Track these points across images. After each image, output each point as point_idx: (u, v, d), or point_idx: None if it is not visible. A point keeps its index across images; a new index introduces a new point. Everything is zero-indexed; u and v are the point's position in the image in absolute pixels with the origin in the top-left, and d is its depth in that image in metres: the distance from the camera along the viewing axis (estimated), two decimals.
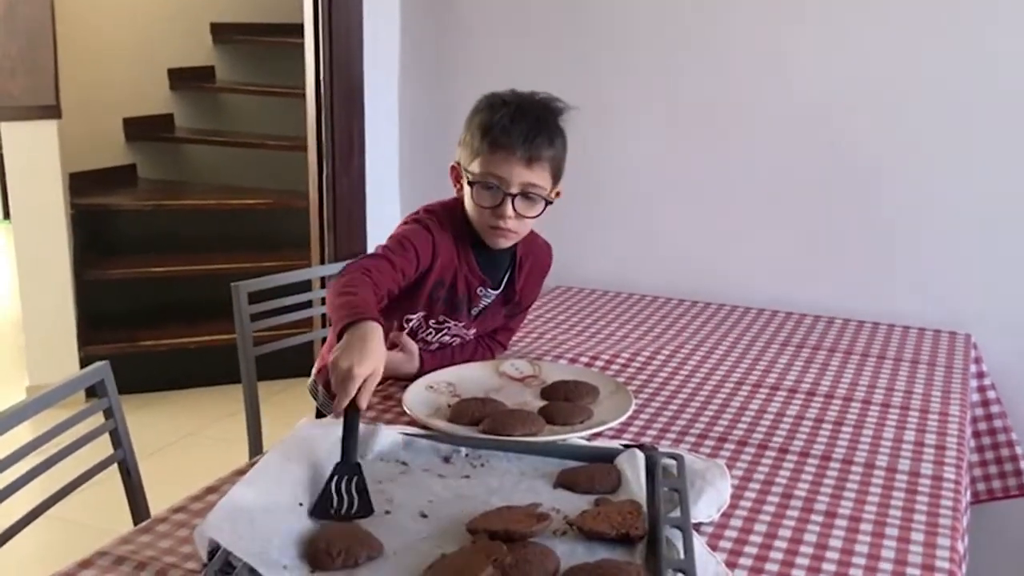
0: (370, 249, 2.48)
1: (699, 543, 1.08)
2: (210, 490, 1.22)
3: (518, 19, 2.42)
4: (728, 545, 1.12)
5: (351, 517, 1.10)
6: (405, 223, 1.58)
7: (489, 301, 1.64)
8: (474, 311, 1.63)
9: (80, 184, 3.79)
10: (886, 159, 2.14)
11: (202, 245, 3.84)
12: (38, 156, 3.34)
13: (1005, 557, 2.15)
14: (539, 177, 1.50)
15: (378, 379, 1.22)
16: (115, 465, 1.49)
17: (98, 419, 1.46)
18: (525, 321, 2.02)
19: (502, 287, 1.64)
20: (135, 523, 1.43)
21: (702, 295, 2.26)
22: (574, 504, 1.14)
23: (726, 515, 1.19)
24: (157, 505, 1.25)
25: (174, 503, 1.19)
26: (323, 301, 2.13)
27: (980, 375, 1.99)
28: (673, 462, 1.22)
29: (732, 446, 1.41)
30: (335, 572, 0.98)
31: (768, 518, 1.19)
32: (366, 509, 1.11)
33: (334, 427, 1.22)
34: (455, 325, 1.62)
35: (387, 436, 1.28)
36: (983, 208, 2.08)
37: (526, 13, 2.40)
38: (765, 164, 2.25)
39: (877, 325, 2.08)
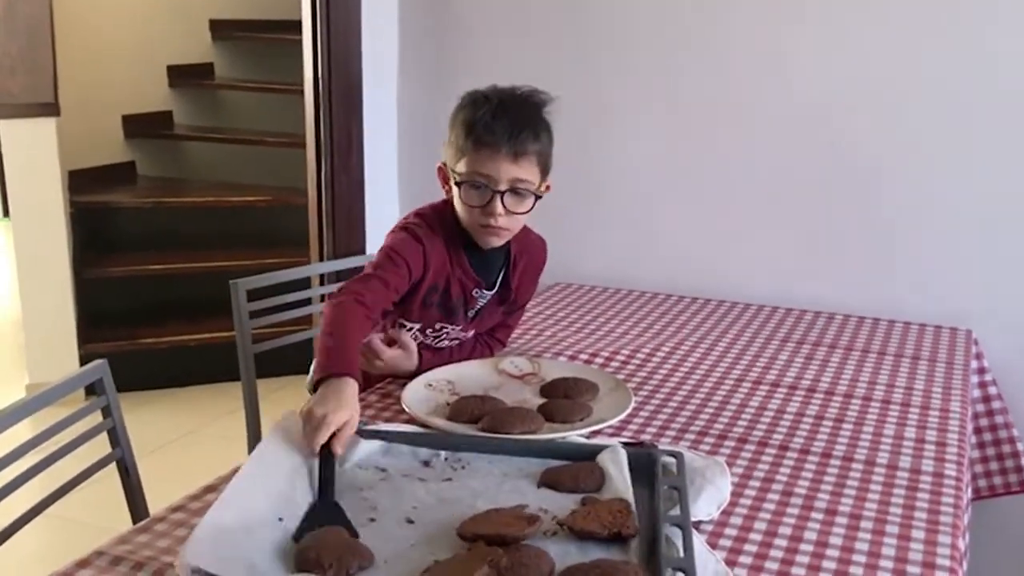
0: (369, 247, 2.49)
1: (699, 541, 1.08)
2: (209, 489, 1.21)
3: (517, 16, 2.41)
4: (728, 543, 1.12)
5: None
6: (394, 231, 1.56)
7: (485, 302, 1.62)
8: (470, 313, 1.62)
9: (79, 182, 3.78)
10: (887, 156, 2.13)
11: (201, 242, 3.84)
12: (37, 154, 3.34)
13: (1007, 554, 2.15)
14: (527, 172, 1.49)
15: (352, 429, 1.21)
16: (114, 463, 1.48)
17: (97, 417, 1.46)
18: (525, 318, 2.01)
19: (497, 287, 1.63)
20: (134, 522, 1.43)
21: (702, 292, 2.26)
22: (560, 504, 1.14)
23: (726, 513, 1.18)
24: (157, 503, 1.25)
25: (172, 502, 1.18)
26: (322, 298, 2.13)
27: (981, 371, 1.98)
28: (673, 460, 1.22)
29: (732, 443, 1.40)
30: None
31: (768, 516, 1.19)
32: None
33: None
34: (453, 329, 1.61)
35: (364, 446, 1.27)
36: (984, 204, 2.07)
37: (525, 11, 2.40)
38: (765, 161, 2.24)
39: (877, 321, 2.08)
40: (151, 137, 4.24)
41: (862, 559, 1.10)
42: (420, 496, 1.17)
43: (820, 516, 1.19)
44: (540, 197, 1.53)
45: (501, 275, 1.63)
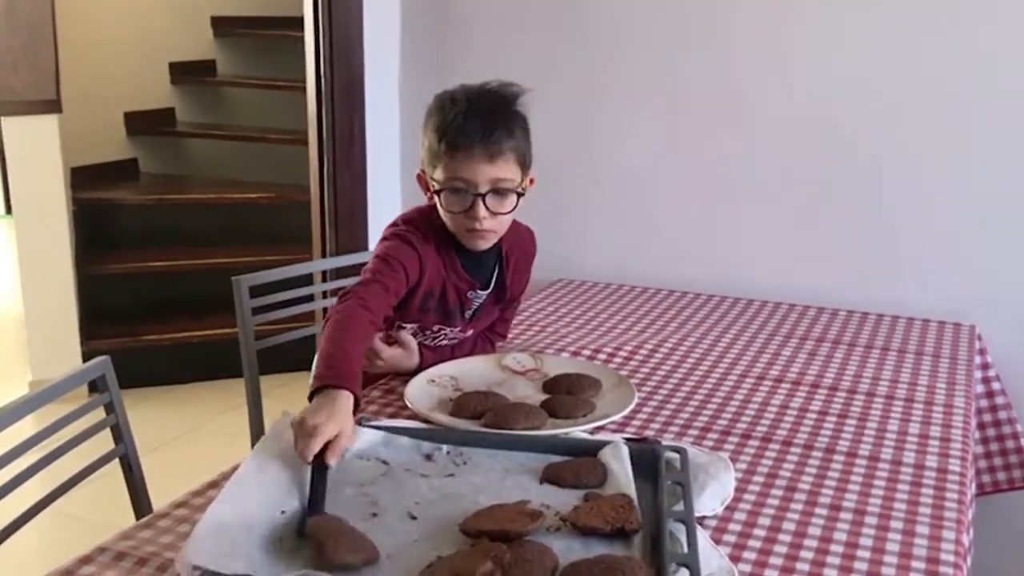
0: (371, 243, 2.49)
1: (703, 537, 1.08)
2: (211, 485, 1.21)
3: (518, 11, 2.41)
4: (732, 539, 1.12)
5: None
6: (385, 238, 1.53)
7: (481, 302, 1.61)
8: (467, 314, 1.61)
9: (81, 178, 3.78)
10: (889, 151, 2.13)
11: (204, 239, 3.84)
12: (39, 151, 3.34)
13: (1011, 549, 2.14)
14: (505, 171, 1.45)
15: (347, 442, 1.18)
16: (117, 460, 1.48)
17: (99, 414, 1.46)
18: (528, 315, 2.01)
19: (492, 286, 1.61)
20: (137, 518, 1.43)
21: (705, 288, 2.25)
22: (562, 499, 1.14)
23: (730, 508, 1.18)
24: (160, 500, 1.25)
25: (175, 498, 1.18)
26: (324, 295, 2.13)
27: (984, 366, 1.98)
28: (676, 455, 1.21)
29: (736, 439, 1.40)
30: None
31: (772, 511, 1.18)
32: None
33: None
34: (451, 331, 1.61)
35: (366, 435, 1.26)
36: (987, 198, 2.07)
37: (526, 6, 2.39)
38: (767, 157, 2.24)
39: (881, 317, 2.08)
40: (153, 134, 4.24)
41: (866, 555, 1.09)
42: (422, 492, 1.16)
43: (824, 512, 1.19)
44: (522, 194, 1.49)
45: (495, 273, 1.61)
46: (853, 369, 1.73)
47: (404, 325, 1.57)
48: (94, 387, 1.46)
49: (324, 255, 2.51)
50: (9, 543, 1.27)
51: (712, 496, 1.18)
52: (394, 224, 1.56)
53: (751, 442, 1.39)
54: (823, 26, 2.13)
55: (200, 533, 0.99)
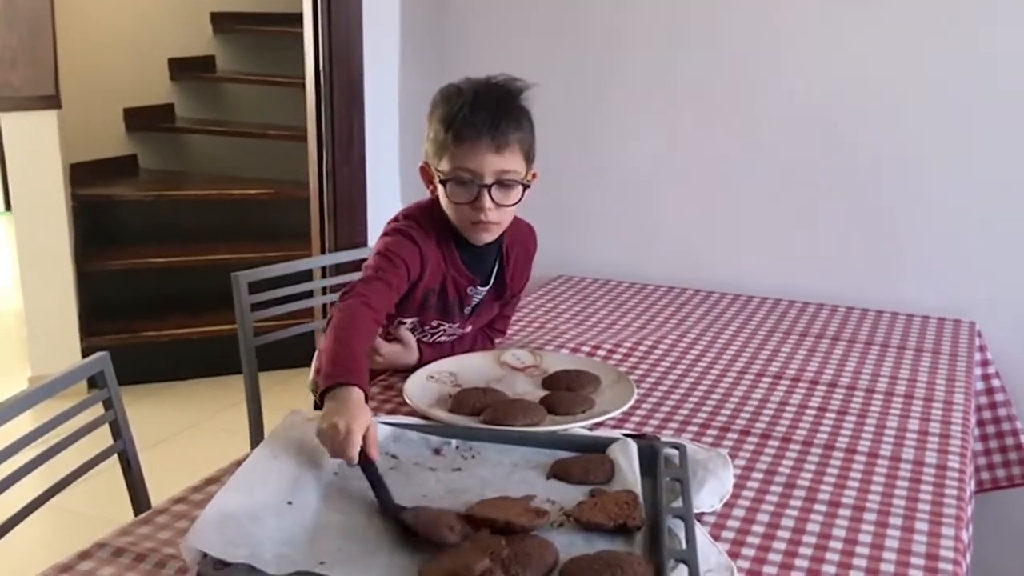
0: (371, 239, 2.49)
1: (701, 533, 1.08)
2: (210, 481, 1.21)
3: (519, 9, 2.41)
4: (731, 535, 1.12)
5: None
6: (386, 233, 1.53)
7: (481, 298, 1.61)
8: (467, 310, 1.60)
9: (81, 175, 3.78)
10: (889, 150, 2.13)
11: (203, 235, 3.84)
12: (39, 147, 3.34)
13: (1010, 545, 2.14)
14: (512, 162, 1.45)
15: (375, 433, 1.18)
16: (116, 456, 1.48)
17: (99, 410, 1.46)
18: (527, 311, 2.01)
19: (492, 282, 1.61)
20: (136, 514, 1.43)
21: (704, 284, 2.25)
22: (569, 495, 1.14)
23: (728, 505, 1.18)
24: (159, 496, 1.25)
25: (174, 494, 1.18)
26: (324, 291, 2.13)
27: (984, 363, 1.98)
28: (675, 452, 1.21)
29: (735, 435, 1.40)
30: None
31: (771, 508, 1.18)
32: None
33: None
34: (450, 327, 1.60)
35: (376, 429, 1.27)
36: (987, 198, 2.07)
37: (527, 3, 2.39)
38: (766, 154, 2.24)
39: (881, 313, 2.08)
40: (153, 130, 4.23)
41: (865, 551, 1.09)
42: (430, 485, 1.17)
43: (823, 508, 1.19)
44: (528, 187, 1.49)
45: (495, 269, 1.61)
46: (853, 365, 1.73)
47: (403, 321, 1.57)
48: (93, 383, 1.46)
49: (323, 251, 2.51)
50: (8, 538, 1.27)
51: (711, 492, 1.18)
52: (395, 219, 1.55)
53: (750, 438, 1.39)
54: (823, 26, 2.13)
55: (206, 520, 1.00)
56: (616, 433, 1.32)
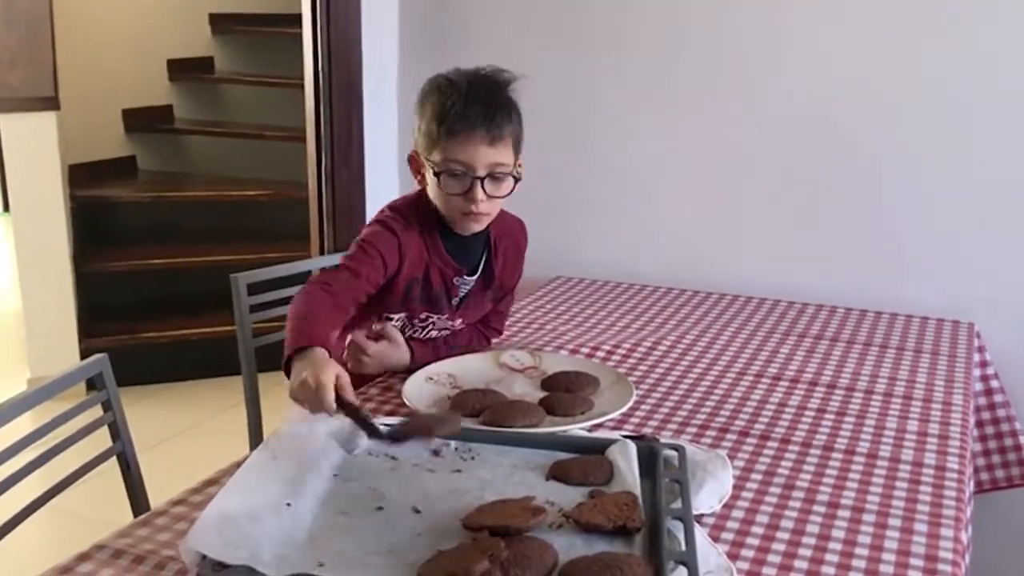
0: None
1: (700, 534, 1.08)
2: (209, 483, 1.21)
3: (518, 9, 2.40)
4: (730, 536, 1.12)
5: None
6: (370, 224, 1.54)
7: (469, 288, 1.61)
8: (455, 301, 1.60)
9: (80, 176, 3.78)
10: (889, 149, 2.13)
11: (202, 236, 3.83)
12: (37, 148, 3.33)
13: (1009, 546, 2.14)
14: (504, 155, 1.47)
15: (347, 379, 1.21)
16: (115, 457, 1.48)
17: (97, 411, 1.46)
18: (526, 312, 2.01)
19: (480, 272, 1.61)
20: (135, 516, 1.43)
21: (703, 285, 2.25)
22: (568, 496, 1.14)
23: (728, 506, 1.18)
24: (159, 497, 1.25)
25: (173, 496, 1.18)
26: None
27: (983, 364, 1.98)
28: (674, 453, 1.21)
29: (734, 437, 1.40)
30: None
31: (770, 509, 1.18)
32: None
33: (319, 422, 1.23)
34: (439, 319, 1.60)
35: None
36: (987, 198, 2.07)
37: (526, 4, 2.39)
38: (766, 154, 2.24)
39: (880, 314, 2.08)
40: (151, 131, 4.23)
41: (864, 552, 1.09)
42: (428, 486, 1.17)
43: (822, 509, 1.19)
44: (519, 179, 1.50)
45: (483, 260, 1.61)
46: (852, 366, 1.73)
47: (391, 316, 1.57)
48: (92, 385, 1.46)
49: (322, 252, 2.51)
50: (7, 540, 1.27)
51: (710, 494, 1.18)
52: (381, 211, 1.57)
53: (749, 440, 1.39)
54: (823, 25, 2.13)
55: (205, 522, 1.00)
56: (615, 434, 1.32)
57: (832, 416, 1.49)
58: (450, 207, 1.50)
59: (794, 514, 1.17)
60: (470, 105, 1.44)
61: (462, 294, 1.61)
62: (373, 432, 1.19)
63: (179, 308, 3.67)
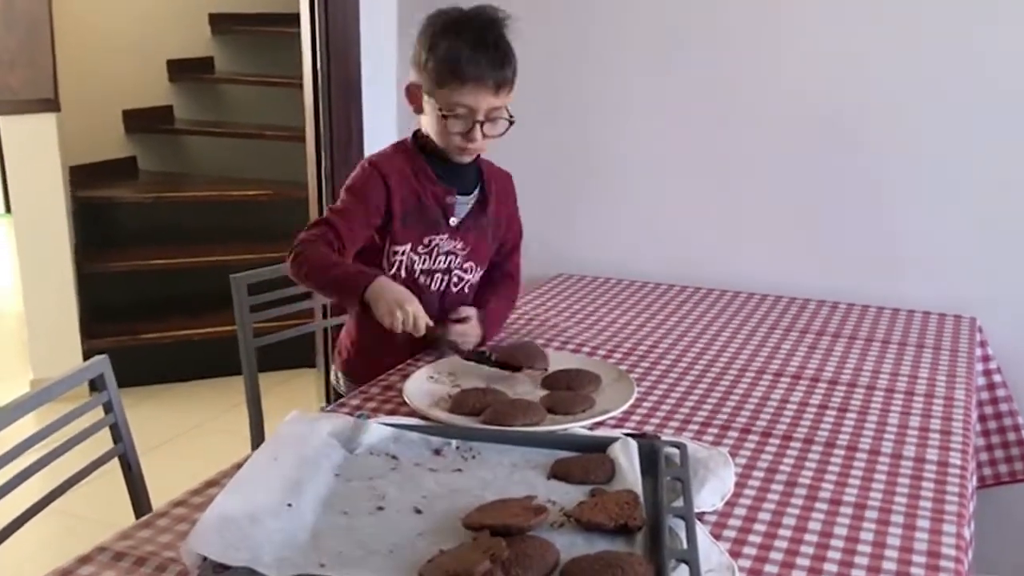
0: None
1: (702, 532, 1.08)
2: (210, 484, 1.21)
3: (518, 6, 2.40)
4: (732, 534, 1.12)
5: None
6: (355, 171, 1.64)
7: (467, 208, 1.67)
8: (453, 220, 1.65)
9: (80, 177, 3.78)
10: (891, 144, 2.12)
11: (203, 237, 3.83)
12: (38, 150, 3.33)
13: (1012, 542, 2.14)
14: (504, 100, 1.57)
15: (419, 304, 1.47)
16: (117, 459, 1.48)
17: (99, 412, 1.46)
18: (527, 308, 2.01)
19: (474, 193, 1.68)
20: (136, 517, 1.43)
21: (704, 282, 2.25)
22: (569, 495, 1.13)
23: (730, 504, 1.18)
24: (161, 498, 1.25)
25: (174, 497, 1.18)
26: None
27: (985, 359, 1.98)
28: (676, 451, 1.21)
29: (735, 434, 1.40)
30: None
31: (772, 506, 1.18)
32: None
33: (320, 422, 1.24)
34: (442, 240, 1.65)
35: (376, 430, 1.27)
36: (988, 192, 2.07)
37: (526, 3, 2.38)
38: (767, 151, 2.23)
39: (881, 310, 2.07)
40: (151, 132, 4.23)
41: (867, 549, 1.09)
42: (430, 486, 1.17)
43: (824, 506, 1.19)
44: (513, 122, 1.58)
45: (476, 186, 1.69)
46: (853, 363, 1.73)
47: (397, 249, 1.62)
48: (94, 386, 1.46)
49: None
50: (9, 542, 1.27)
51: (712, 491, 1.18)
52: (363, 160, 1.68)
53: (751, 437, 1.39)
54: (824, 25, 2.13)
55: (206, 524, 1.00)
56: (616, 432, 1.31)
57: (834, 412, 1.49)
58: (448, 141, 1.59)
59: (796, 511, 1.17)
60: (479, 51, 1.52)
61: (459, 214, 1.66)
62: (460, 352, 1.49)
63: (180, 308, 3.67)
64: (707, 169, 2.30)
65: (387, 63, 2.53)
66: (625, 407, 1.42)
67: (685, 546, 1.00)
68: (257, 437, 1.91)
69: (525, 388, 1.51)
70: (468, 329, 1.63)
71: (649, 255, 2.36)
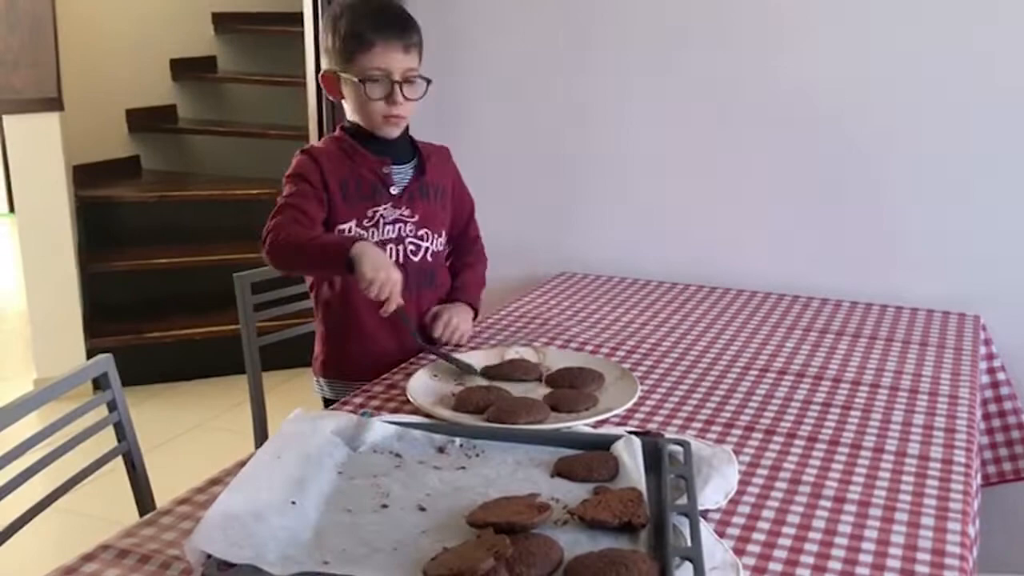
0: None
1: (706, 530, 1.07)
2: (214, 482, 1.21)
3: (517, 8, 2.40)
4: (736, 532, 1.11)
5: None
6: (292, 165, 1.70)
7: (405, 177, 1.70)
8: (394, 190, 1.68)
9: (84, 176, 3.79)
10: (893, 141, 2.12)
11: (206, 236, 3.84)
12: (41, 149, 3.34)
13: (1017, 539, 2.14)
14: (414, 61, 1.64)
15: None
16: (120, 457, 1.49)
17: (103, 411, 1.46)
18: (529, 307, 2.01)
19: (413, 161, 1.72)
20: (140, 515, 1.43)
21: (707, 280, 2.25)
22: (573, 493, 1.13)
23: (733, 501, 1.18)
24: (164, 497, 1.25)
25: (178, 495, 1.18)
26: None
27: (989, 357, 1.97)
28: (679, 448, 1.21)
29: (739, 432, 1.40)
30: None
31: (776, 504, 1.18)
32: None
33: (323, 420, 1.23)
34: (385, 209, 1.67)
35: (380, 428, 1.27)
36: (992, 187, 2.06)
37: (526, 3, 2.39)
38: (769, 150, 2.23)
39: (885, 307, 2.07)
40: (155, 131, 4.24)
41: (871, 547, 1.09)
42: (433, 484, 1.16)
43: (828, 504, 1.18)
44: (430, 81, 1.64)
45: (413, 156, 1.74)
46: (857, 360, 1.72)
47: (342, 228, 1.64)
48: (98, 384, 1.46)
49: None
50: (13, 540, 1.27)
51: (716, 489, 1.18)
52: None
53: (755, 435, 1.39)
54: (824, 24, 2.13)
55: (210, 522, 0.99)
56: (620, 430, 1.31)
57: (838, 410, 1.49)
58: (372, 112, 1.63)
59: (800, 509, 1.17)
60: (382, 15, 1.62)
61: (400, 182, 1.70)
62: (450, 360, 1.54)
63: (184, 307, 3.68)
64: (709, 167, 2.30)
65: None
66: (628, 405, 1.42)
67: (689, 544, 1.00)
68: (260, 435, 1.92)
69: (528, 386, 1.51)
70: (449, 322, 1.70)
71: (651, 253, 2.36)
